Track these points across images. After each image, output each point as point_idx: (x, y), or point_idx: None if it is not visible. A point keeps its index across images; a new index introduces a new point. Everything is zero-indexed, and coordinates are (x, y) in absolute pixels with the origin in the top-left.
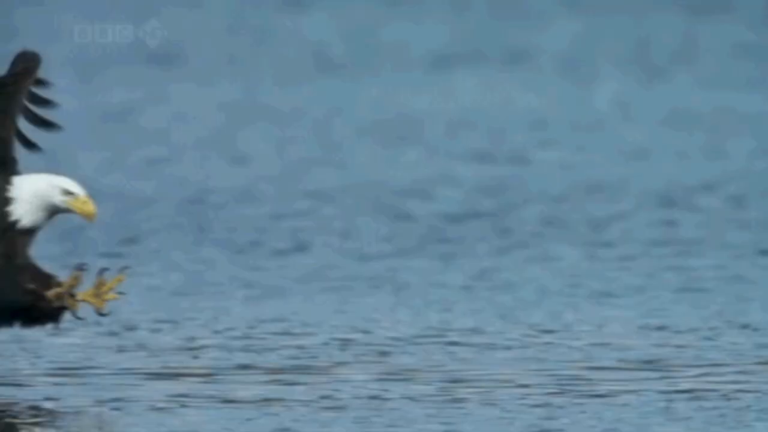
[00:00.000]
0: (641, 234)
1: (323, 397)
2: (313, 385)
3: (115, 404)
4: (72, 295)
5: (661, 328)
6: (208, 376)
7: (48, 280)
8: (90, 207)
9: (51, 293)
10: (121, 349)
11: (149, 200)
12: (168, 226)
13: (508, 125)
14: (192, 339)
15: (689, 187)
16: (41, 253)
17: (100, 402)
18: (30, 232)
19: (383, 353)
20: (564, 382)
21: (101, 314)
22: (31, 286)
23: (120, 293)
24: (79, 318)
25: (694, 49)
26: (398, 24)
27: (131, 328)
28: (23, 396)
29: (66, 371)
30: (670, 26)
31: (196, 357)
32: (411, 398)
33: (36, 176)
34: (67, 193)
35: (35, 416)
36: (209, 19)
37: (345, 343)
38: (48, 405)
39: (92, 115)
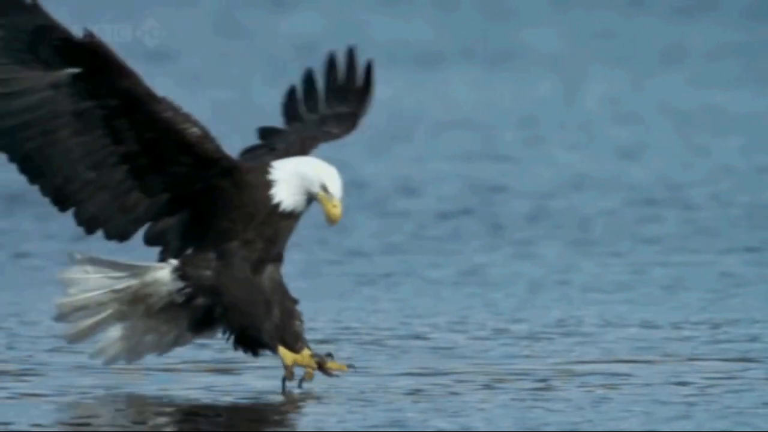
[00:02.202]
0: (629, 230)
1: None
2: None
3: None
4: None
5: (650, 323)
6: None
7: (291, 314)
8: (337, 211)
9: (287, 355)
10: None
11: None
12: None
13: (498, 123)
14: None
15: (677, 184)
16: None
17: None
18: (291, 216)
19: (375, 348)
20: (552, 376)
21: (296, 381)
22: (267, 338)
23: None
24: (284, 383)
25: (682, 47)
26: (387, 22)
27: None
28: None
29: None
30: (658, 25)
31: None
32: (410, 393)
33: (302, 159)
34: (325, 189)
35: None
36: (200, 19)
37: (336, 338)
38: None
39: None
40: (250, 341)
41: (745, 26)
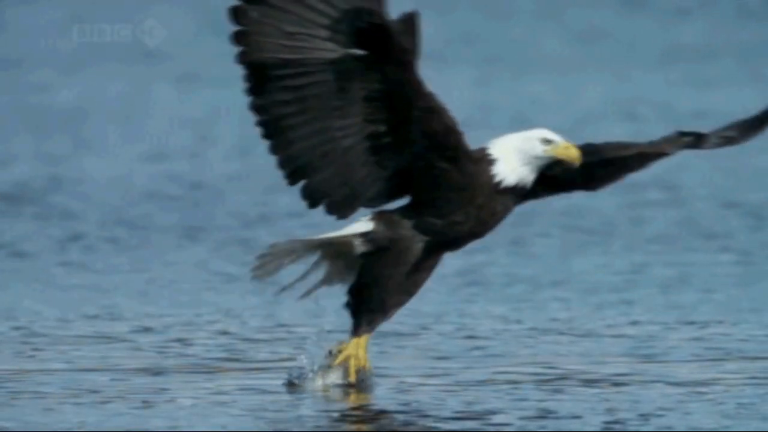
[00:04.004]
0: (624, 228)
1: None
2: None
3: None
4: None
5: (647, 321)
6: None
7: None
8: (573, 151)
9: (356, 347)
10: None
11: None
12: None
13: (496, 122)
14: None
15: (676, 184)
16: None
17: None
18: (515, 189)
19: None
20: (556, 374)
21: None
22: (367, 322)
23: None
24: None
25: (680, 47)
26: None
27: None
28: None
29: None
30: (656, 25)
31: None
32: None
33: (509, 136)
34: (547, 141)
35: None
36: (194, 18)
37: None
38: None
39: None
40: (359, 311)
41: (742, 26)
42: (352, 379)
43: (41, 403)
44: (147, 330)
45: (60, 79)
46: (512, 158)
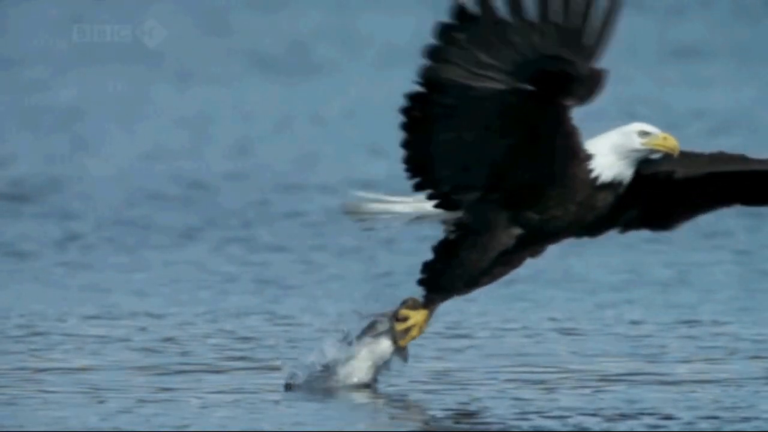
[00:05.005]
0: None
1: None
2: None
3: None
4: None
5: (646, 321)
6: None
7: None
8: (672, 141)
9: (418, 316)
10: None
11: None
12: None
13: None
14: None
15: None
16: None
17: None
18: (612, 186)
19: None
20: (555, 374)
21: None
22: (439, 297)
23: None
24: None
25: (678, 47)
26: (374, 17)
27: None
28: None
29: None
30: (654, 25)
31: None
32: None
33: (606, 134)
34: (644, 134)
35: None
36: (194, 18)
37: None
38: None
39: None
40: (436, 288)
41: (741, 25)
42: (403, 344)
43: (41, 403)
44: (146, 329)
45: (60, 79)
46: (609, 154)
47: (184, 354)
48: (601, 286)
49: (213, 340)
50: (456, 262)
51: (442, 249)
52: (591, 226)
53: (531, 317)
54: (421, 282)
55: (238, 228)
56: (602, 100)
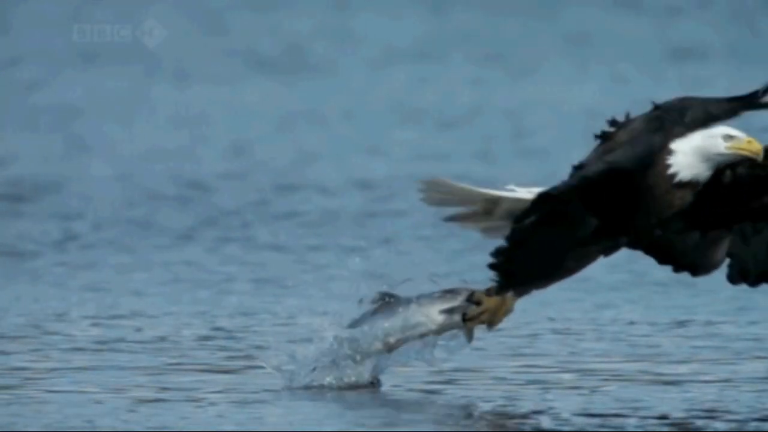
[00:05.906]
0: None
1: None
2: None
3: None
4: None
5: (646, 321)
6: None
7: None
8: (756, 146)
9: (495, 301)
10: None
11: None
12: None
13: (493, 121)
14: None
15: None
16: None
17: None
18: (689, 185)
19: None
20: (555, 374)
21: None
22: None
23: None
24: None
25: (675, 47)
26: (372, 17)
27: None
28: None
29: None
30: (653, 25)
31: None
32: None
33: (691, 135)
34: (729, 137)
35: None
36: (194, 19)
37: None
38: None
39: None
40: (510, 274)
41: (738, 25)
42: (470, 325)
43: (41, 403)
44: (146, 329)
45: (59, 79)
46: (691, 155)
47: (183, 354)
48: (600, 286)
49: (212, 340)
50: (530, 248)
51: (516, 235)
52: (668, 227)
53: (530, 317)
54: (492, 266)
55: (236, 228)
56: (600, 100)
